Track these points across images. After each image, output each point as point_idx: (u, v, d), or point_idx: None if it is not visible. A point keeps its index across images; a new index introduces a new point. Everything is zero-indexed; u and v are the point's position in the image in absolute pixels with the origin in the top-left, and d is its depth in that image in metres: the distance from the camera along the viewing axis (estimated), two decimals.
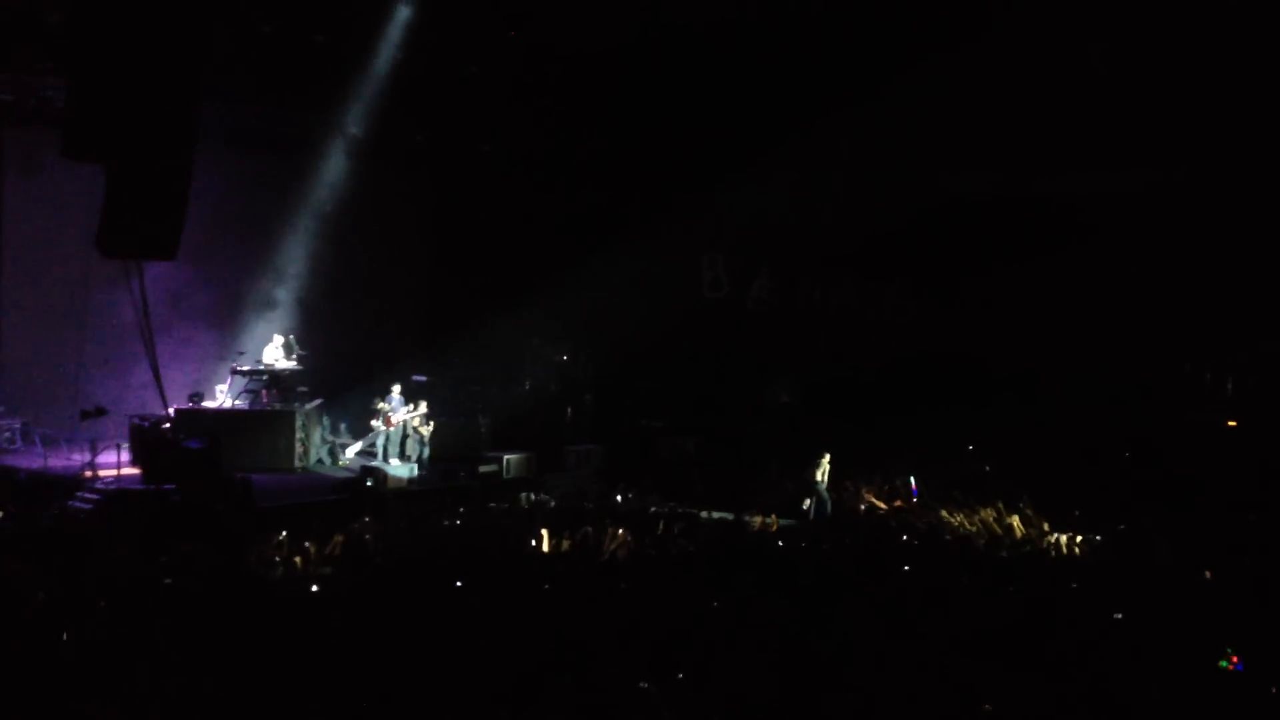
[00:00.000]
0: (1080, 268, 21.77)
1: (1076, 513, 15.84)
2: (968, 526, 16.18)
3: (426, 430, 20.96)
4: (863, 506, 18.47)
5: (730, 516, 17.45)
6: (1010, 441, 20.80)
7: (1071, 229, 21.76)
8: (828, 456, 19.05)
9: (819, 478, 18.89)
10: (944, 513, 16.95)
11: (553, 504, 18.04)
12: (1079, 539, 15.06)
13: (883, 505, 18.37)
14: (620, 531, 14.19)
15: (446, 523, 15.40)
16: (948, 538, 15.75)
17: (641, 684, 7.88)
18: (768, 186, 23.72)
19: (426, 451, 20.91)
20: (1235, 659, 9.69)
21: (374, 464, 19.59)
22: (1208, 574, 13.00)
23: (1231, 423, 20.18)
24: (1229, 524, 15.49)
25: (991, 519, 16.19)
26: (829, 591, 11.91)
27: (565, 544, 13.87)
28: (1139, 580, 12.80)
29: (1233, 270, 20.21)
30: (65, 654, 9.31)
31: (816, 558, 14.31)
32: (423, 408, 21.04)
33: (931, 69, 20.96)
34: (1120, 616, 11.05)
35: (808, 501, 18.87)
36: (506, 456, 20.34)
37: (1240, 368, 20.36)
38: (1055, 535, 15.25)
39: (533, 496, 18.72)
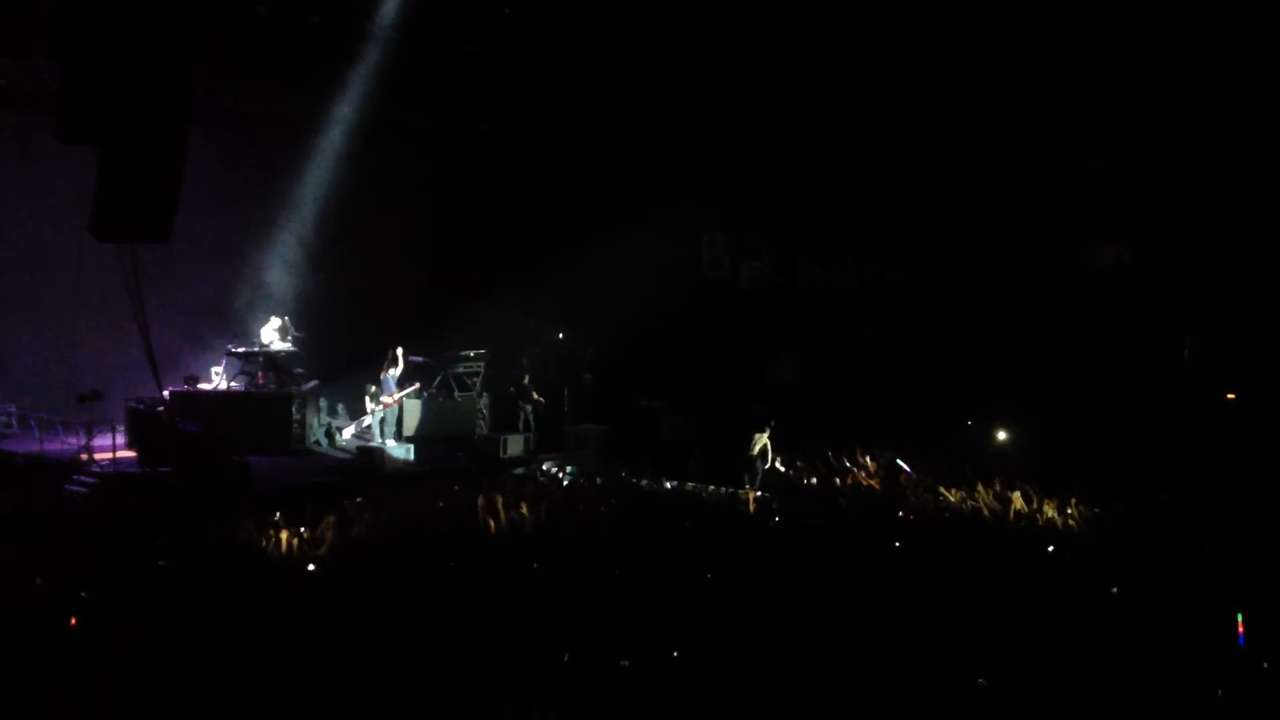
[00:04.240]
0: (1080, 243, 21.75)
1: (1075, 489, 15.80)
2: (966, 504, 16.15)
3: (536, 400, 21.92)
4: (860, 483, 18.40)
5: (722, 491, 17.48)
6: (1010, 418, 20.77)
7: (1070, 205, 21.69)
8: (768, 433, 19.01)
9: (755, 452, 18.88)
10: (942, 490, 16.93)
11: (542, 479, 18.04)
12: (1076, 512, 15.04)
13: (877, 484, 18.31)
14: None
15: (441, 504, 15.38)
16: (946, 515, 15.75)
17: (623, 662, 7.87)
18: (768, 165, 23.60)
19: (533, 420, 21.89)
20: (1242, 627, 9.72)
21: (372, 445, 19.60)
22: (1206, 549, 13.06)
23: (1230, 395, 20.16)
24: (1228, 498, 15.48)
25: (990, 496, 16.16)
26: (824, 568, 11.93)
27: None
28: (1137, 555, 12.83)
29: (1232, 244, 20.17)
30: (64, 637, 9.34)
31: (813, 535, 14.33)
32: (417, 385, 21.28)
33: (933, 47, 20.82)
34: (1116, 591, 11.07)
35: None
36: (504, 436, 20.33)
37: (1240, 339, 20.29)
38: (1053, 512, 15.23)
39: (541, 474, 18.74)
